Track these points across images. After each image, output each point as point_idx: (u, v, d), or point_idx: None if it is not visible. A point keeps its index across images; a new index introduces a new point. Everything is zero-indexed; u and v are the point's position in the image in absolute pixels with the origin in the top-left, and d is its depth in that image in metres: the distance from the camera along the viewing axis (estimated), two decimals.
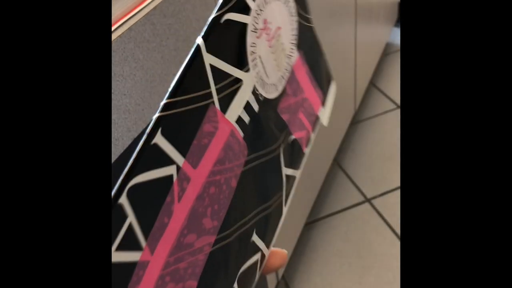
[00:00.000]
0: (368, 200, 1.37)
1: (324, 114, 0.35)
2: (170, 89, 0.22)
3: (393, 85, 1.75)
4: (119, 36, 0.47)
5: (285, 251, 0.31)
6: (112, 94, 0.47)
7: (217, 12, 0.24)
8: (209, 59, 0.24)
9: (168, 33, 0.54)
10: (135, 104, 0.50)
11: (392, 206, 1.34)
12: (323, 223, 1.33)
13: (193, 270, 0.23)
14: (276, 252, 0.31)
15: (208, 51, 0.24)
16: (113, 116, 0.47)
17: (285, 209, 0.31)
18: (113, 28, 0.48)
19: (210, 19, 0.24)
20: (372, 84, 1.77)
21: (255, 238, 0.28)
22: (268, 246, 0.29)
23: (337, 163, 1.49)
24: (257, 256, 0.28)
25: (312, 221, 1.34)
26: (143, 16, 0.50)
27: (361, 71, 1.50)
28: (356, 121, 1.63)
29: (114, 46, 0.47)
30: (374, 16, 1.55)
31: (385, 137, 1.56)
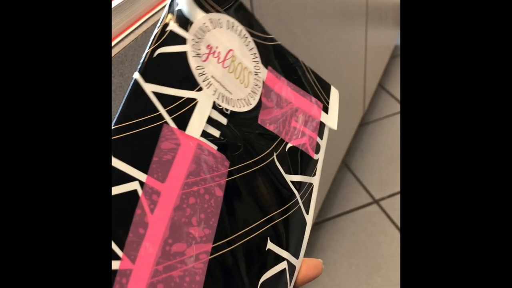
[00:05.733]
0: (376, 202, 1.38)
1: (330, 119, 0.36)
2: (115, 117, 0.24)
3: None
4: (144, 31, 0.48)
5: (319, 260, 0.30)
6: None
7: (149, 48, 0.26)
8: (151, 88, 0.26)
9: None
10: None
11: (399, 208, 1.34)
12: (331, 223, 1.34)
13: (192, 278, 0.24)
14: (310, 261, 0.30)
15: (147, 81, 0.26)
16: None
17: (308, 218, 0.31)
18: (137, 24, 0.49)
19: (143, 55, 0.26)
20: (381, 86, 1.77)
21: (271, 246, 0.28)
22: (296, 256, 0.29)
23: (346, 164, 1.49)
24: (282, 266, 0.28)
25: (320, 221, 1.34)
26: None
27: (371, 73, 1.50)
28: (364, 123, 1.63)
29: (139, 41, 0.47)
30: (384, 18, 1.56)
31: (393, 138, 1.56)
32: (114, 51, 0.45)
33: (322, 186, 1.26)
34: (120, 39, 0.47)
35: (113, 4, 0.47)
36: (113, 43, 0.46)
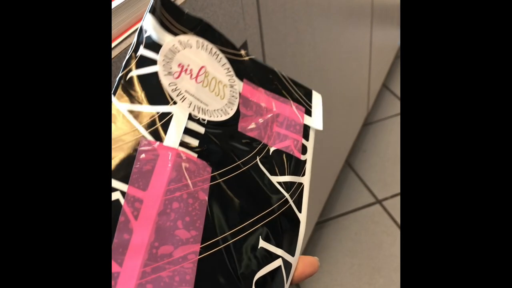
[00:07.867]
0: (379, 202, 1.38)
1: (315, 121, 0.37)
2: None
3: None
4: None
5: (315, 258, 0.31)
6: None
7: (121, 72, 0.29)
8: (125, 107, 0.28)
9: None
10: None
11: None
12: (334, 223, 1.34)
13: (182, 278, 0.25)
14: (306, 259, 0.31)
15: (121, 101, 0.28)
16: None
17: (301, 216, 0.32)
18: None
19: (117, 79, 0.28)
20: (385, 86, 1.77)
21: (264, 244, 0.29)
22: (292, 253, 0.30)
23: (349, 164, 1.49)
24: (277, 263, 0.29)
25: (323, 221, 1.34)
26: None
27: (375, 73, 1.50)
28: (368, 123, 1.63)
29: None
30: (389, 18, 1.55)
31: (396, 139, 1.56)
32: (120, 47, 0.45)
33: (325, 186, 1.26)
34: (127, 35, 0.47)
35: (121, 0, 0.47)
36: (119, 40, 0.46)
